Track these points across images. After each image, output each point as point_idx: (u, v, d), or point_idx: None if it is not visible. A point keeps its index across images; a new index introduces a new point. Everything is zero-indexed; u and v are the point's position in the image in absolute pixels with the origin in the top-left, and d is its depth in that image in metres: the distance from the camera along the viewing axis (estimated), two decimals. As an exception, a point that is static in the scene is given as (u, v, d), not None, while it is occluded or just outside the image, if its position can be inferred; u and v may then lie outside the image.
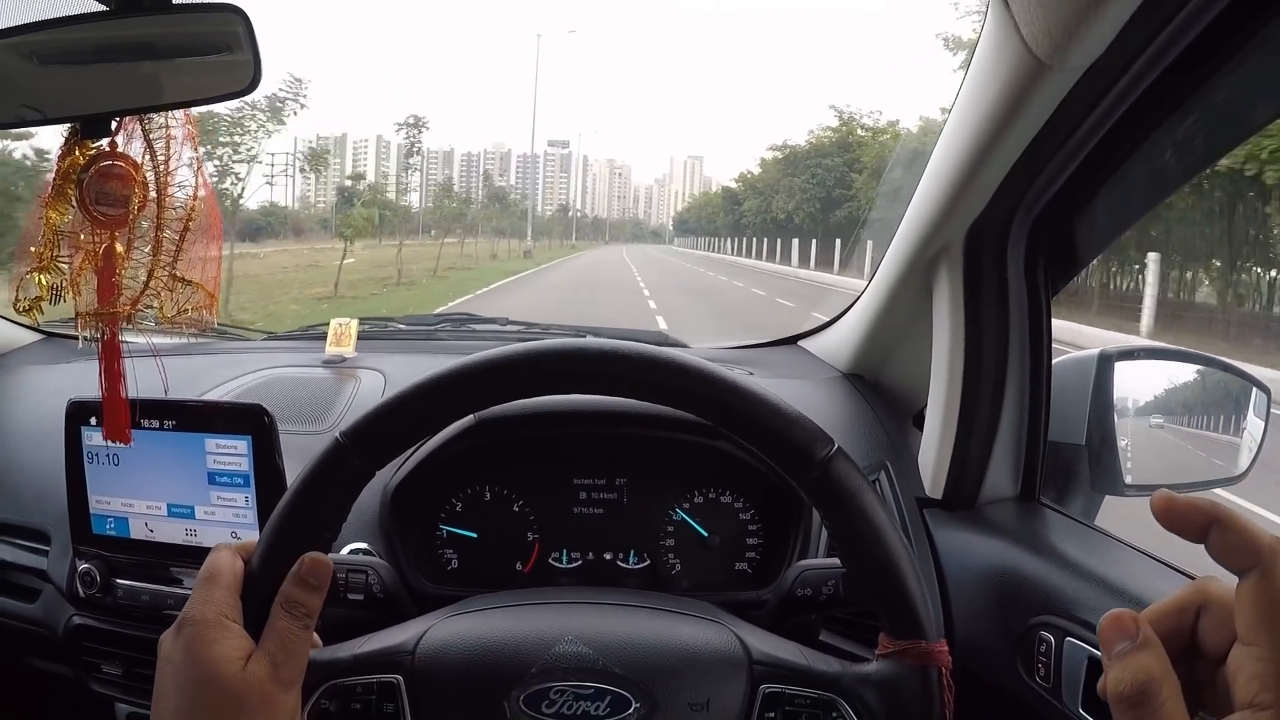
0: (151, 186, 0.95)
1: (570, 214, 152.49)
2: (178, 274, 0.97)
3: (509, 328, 2.18)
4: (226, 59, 0.94)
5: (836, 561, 0.97)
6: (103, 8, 0.94)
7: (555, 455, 1.43)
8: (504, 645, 0.85)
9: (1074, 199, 1.19)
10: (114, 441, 1.05)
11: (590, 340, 0.83)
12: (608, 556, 1.42)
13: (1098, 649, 0.99)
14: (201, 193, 0.98)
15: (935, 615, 1.25)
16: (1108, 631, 0.52)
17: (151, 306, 0.97)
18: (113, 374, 0.99)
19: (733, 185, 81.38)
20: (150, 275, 0.96)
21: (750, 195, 65.32)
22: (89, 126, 0.93)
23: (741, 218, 66.44)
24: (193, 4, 0.97)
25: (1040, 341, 1.32)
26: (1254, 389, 1.48)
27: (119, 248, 0.95)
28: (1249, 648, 0.49)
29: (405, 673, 0.83)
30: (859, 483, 0.80)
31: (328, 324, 1.94)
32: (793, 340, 2.10)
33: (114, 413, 1.03)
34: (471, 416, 1.30)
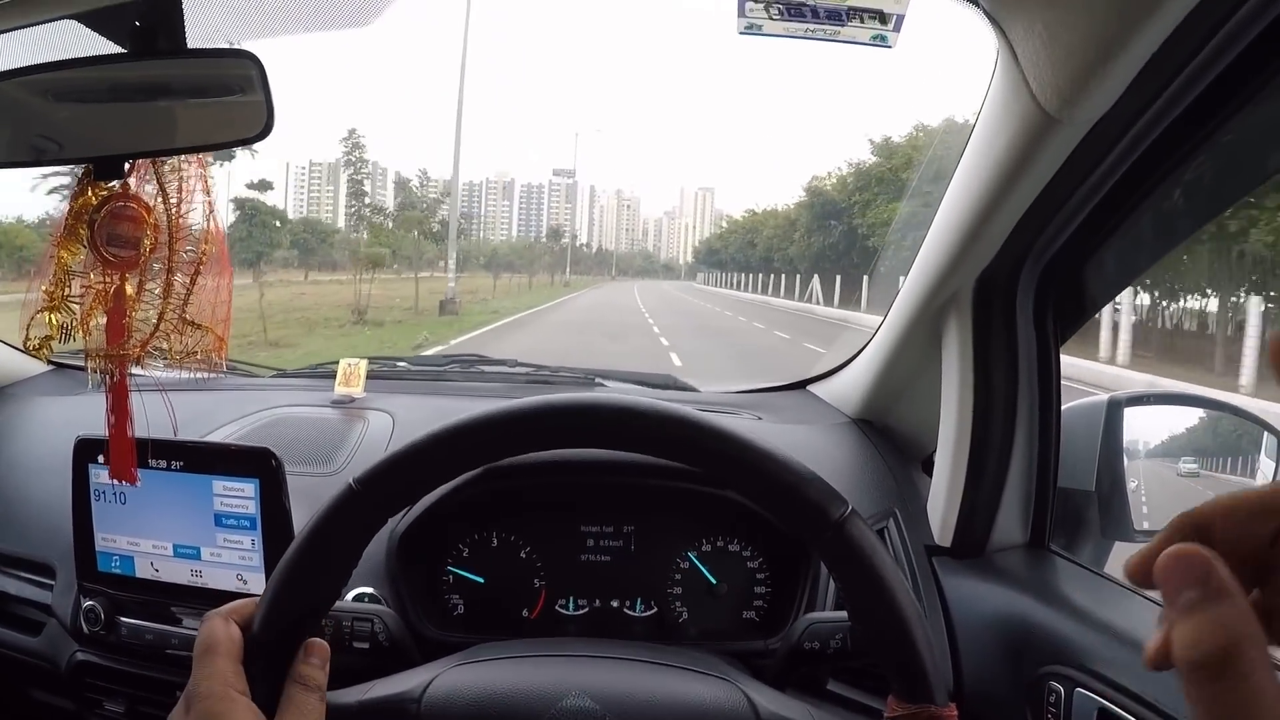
0: (163, 229, 0.95)
1: (564, 240, 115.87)
2: (188, 317, 0.98)
3: (517, 370, 2.18)
4: (240, 101, 0.94)
5: (844, 615, 0.97)
6: (119, 50, 0.95)
7: (562, 503, 1.43)
8: (510, 697, 0.85)
9: (1082, 249, 1.20)
10: (120, 481, 1.05)
11: (606, 396, 0.82)
12: (614, 604, 1.41)
13: (1108, 700, 0.98)
14: (213, 235, 0.99)
15: (945, 675, 1.24)
16: (1170, 573, 0.38)
17: (161, 348, 0.97)
18: (121, 414, 0.99)
19: (746, 215, 76.89)
20: (160, 317, 0.97)
21: (769, 228, 61.01)
22: (103, 168, 0.94)
23: (769, 251, 58.49)
24: (207, 49, 0.98)
25: (1049, 388, 1.32)
26: (1265, 433, 1.48)
27: (129, 289, 0.95)
28: None
29: None
30: (872, 544, 0.80)
31: (337, 363, 1.95)
32: (802, 385, 2.09)
33: (121, 453, 1.03)
34: None
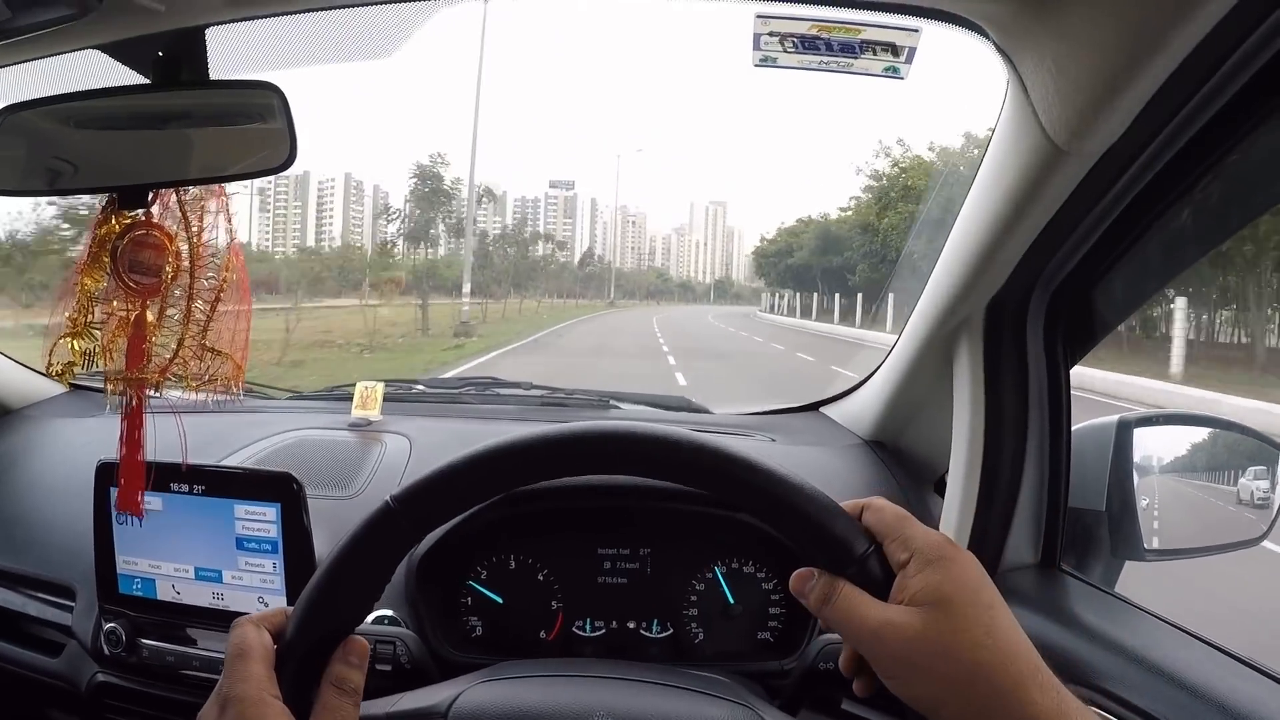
0: (185, 257, 0.97)
1: (504, 231, 73.72)
2: (207, 344, 0.99)
3: (533, 392, 2.18)
4: (263, 131, 0.96)
5: None
6: (144, 80, 0.97)
7: (580, 525, 1.44)
8: (537, 715, 0.86)
9: (1091, 274, 1.21)
10: (126, 512, 1.06)
11: (639, 425, 0.83)
12: (631, 625, 1.42)
13: None
14: (233, 263, 1.00)
15: None
16: (795, 583, 0.73)
17: (179, 374, 0.99)
18: (133, 444, 1.01)
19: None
20: (180, 344, 0.98)
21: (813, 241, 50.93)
22: (126, 197, 0.96)
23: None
24: (230, 80, 0.99)
25: (1060, 410, 1.33)
26: (1277, 452, 1.48)
27: (150, 316, 0.97)
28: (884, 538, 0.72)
29: None
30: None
31: (353, 385, 1.96)
32: (815, 407, 2.10)
33: (129, 483, 1.05)
34: None
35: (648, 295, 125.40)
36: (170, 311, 0.98)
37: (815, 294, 48.70)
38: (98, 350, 0.98)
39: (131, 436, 1.00)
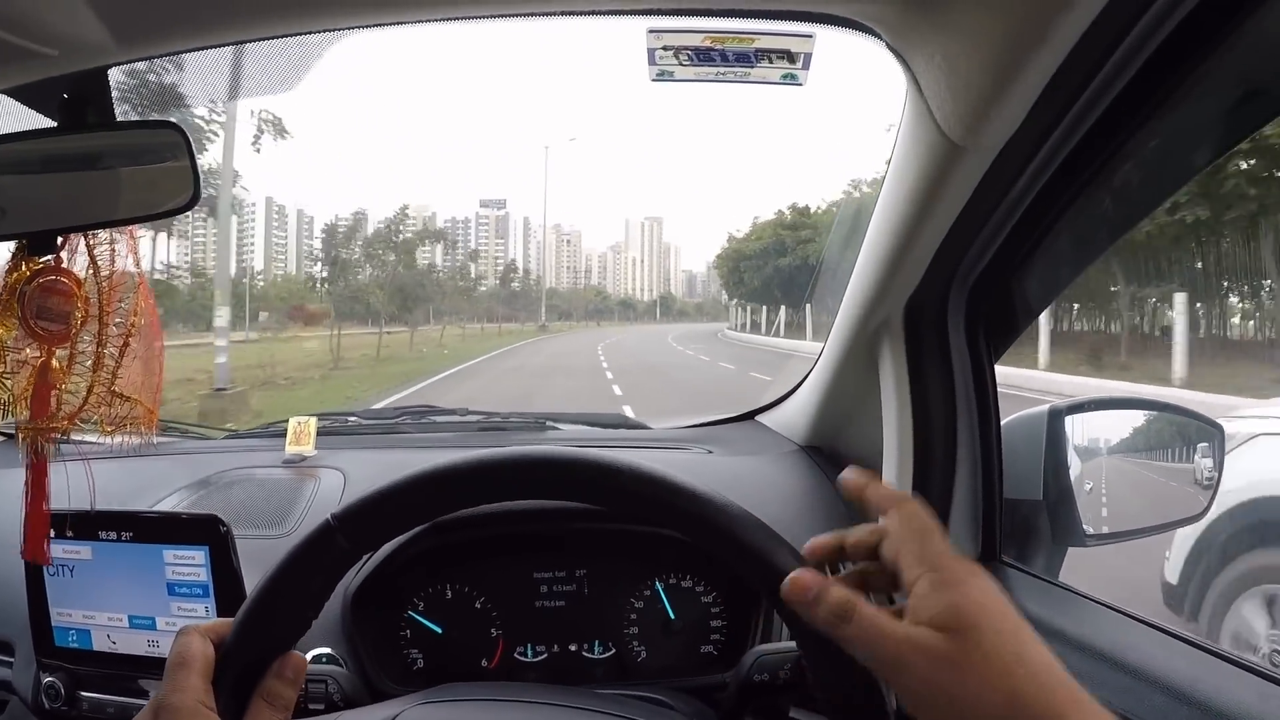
0: (94, 302, 0.96)
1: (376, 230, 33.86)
2: (116, 389, 0.98)
3: (469, 418, 2.18)
4: (168, 169, 0.95)
5: (793, 645, 0.97)
6: (51, 124, 0.96)
7: (513, 550, 1.43)
8: None
9: (1006, 268, 1.22)
10: (34, 561, 1.05)
11: (581, 452, 0.83)
12: (572, 648, 1.42)
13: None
14: (143, 307, 0.99)
15: None
16: (795, 593, 0.68)
17: (89, 420, 0.97)
18: (38, 493, 0.99)
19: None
20: (90, 390, 0.97)
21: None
22: (36, 243, 0.94)
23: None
24: (134, 121, 0.99)
25: (987, 404, 1.34)
26: (1206, 427, 1.51)
27: (55, 363, 0.95)
28: (900, 545, 0.68)
29: None
30: None
31: (287, 421, 1.94)
32: (750, 415, 2.12)
33: (35, 531, 1.03)
34: None
35: (587, 315, 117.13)
36: (80, 357, 0.97)
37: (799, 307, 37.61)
38: (11, 400, 0.97)
39: (37, 484, 0.99)
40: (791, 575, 0.69)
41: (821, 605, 0.66)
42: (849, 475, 0.75)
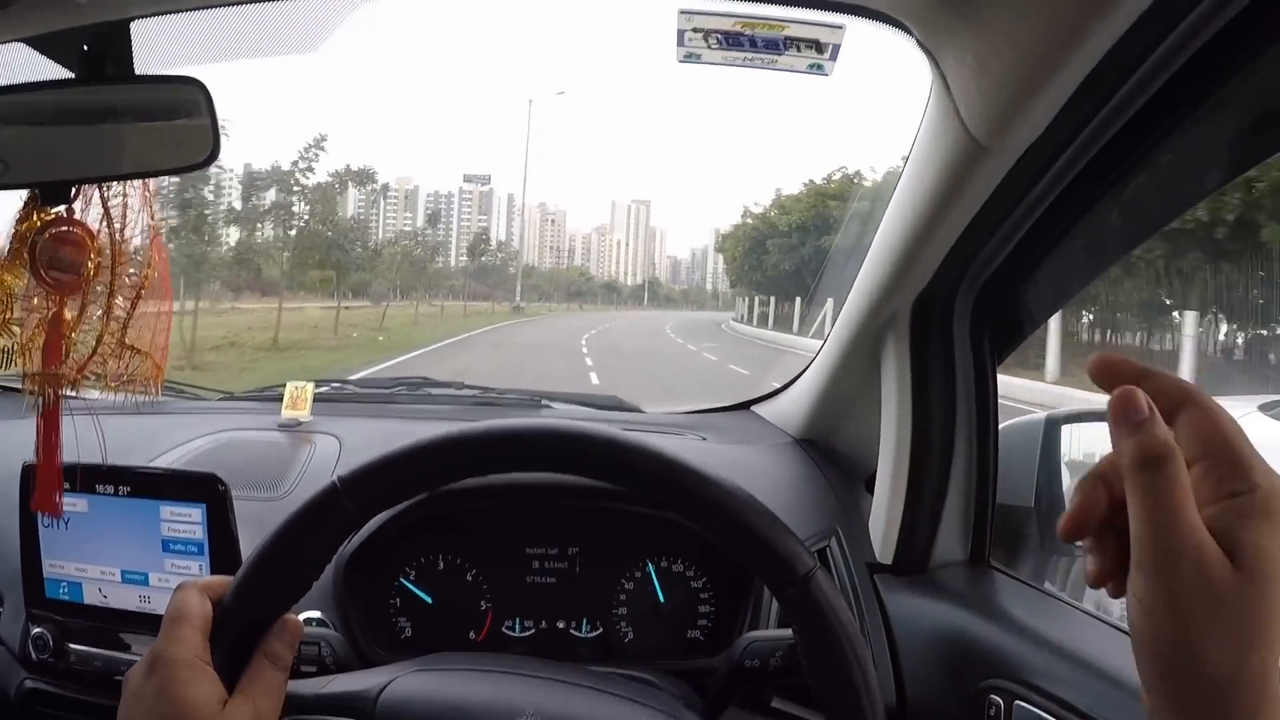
0: (106, 254, 0.96)
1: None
2: (127, 341, 0.98)
3: (465, 391, 2.19)
4: (186, 126, 0.95)
5: (785, 633, 0.98)
6: (68, 74, 0.96)
7: (508, 525, 1.44)
8: (465, 709, 0.85)
9: (1017, 271, 1.23)
10: (43, 512, 1.05)
11: (585, 426, 0.83)
12: (560, 625, 1.43)
13: (1046, 712, 1.01)
14: (155, 261, 0.99)
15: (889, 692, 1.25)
16: (1123, 407, 0.52)
17: (98, 372, 0.97)
18: (50, 445, 0.99)
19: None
20: (99, 341, 0.97)
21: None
22: (49, 193, 0.94)
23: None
24: (154, 75, 0.98)
25: (987, 407, 1.35)
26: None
27: (67, 313, 0.95)
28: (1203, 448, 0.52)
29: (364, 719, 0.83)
30: (836, 603, 0.80)
31: (284, 386, 1.94)
32: (746, 405, 2.12)
33: (46, 485, 1.03)
34: None
35: (568, 297, 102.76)
36: (91, 309, 0.97)
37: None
38: (16, 349, 0.97)
39: (48, 436, 0.98)
40: (1122, 389, 0.53)
41: (1147, 432, 0.51)
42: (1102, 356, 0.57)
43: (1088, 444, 1.48)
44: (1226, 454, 0.51)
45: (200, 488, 1.28)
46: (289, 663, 0.77)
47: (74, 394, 0.98)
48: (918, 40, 0.95)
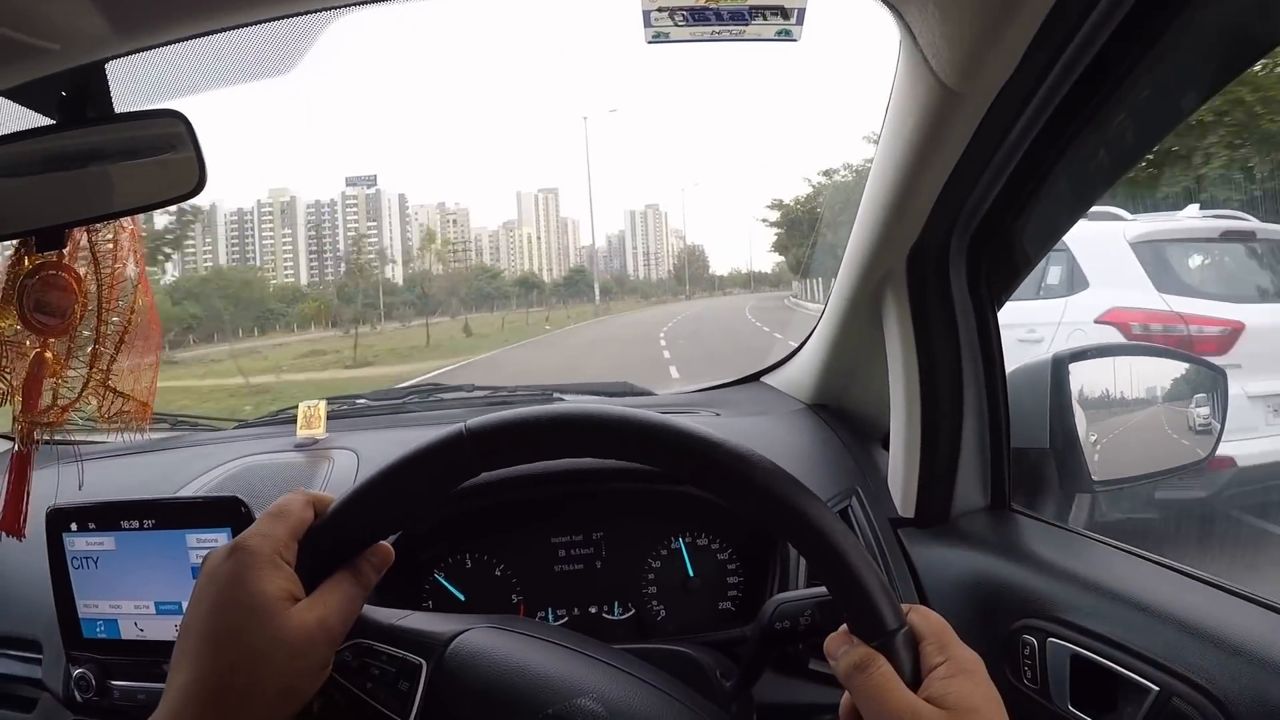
0: (94, 298, 0.97)
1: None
2: (111, 384, 0.99)
3: (475, 393, 2.20)
4: (172, 159, 0.96)
5: (812, 591, 0.98)
6: (49, 122, 0.96)
7: (530, 516, 1.45)
8: (532, 676, 0.84)
9: (1006, 213, 1.23)
10: (7, 532, 1.06)
11: (690, 424, 0.81)
12: (593, 610, 1.44)
13: (1080, 647, 1.01)
14: (141, 303, 1.00)
15: None
16: (833, 649, 0.76)
17: (82, 413, 0.98)
18: (19, 473, 1.01)
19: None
20: (85, 384, 0.98)
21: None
22: (44, 239, 0.95)
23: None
24: (135, 112, 0.99)
25: (991, 352, 1.35)
26: (1210, 372, 1.52)
27: (49, 355, 0.96)
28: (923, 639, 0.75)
29: (433, 661, 0.83)
30: None
31: (296, 408, 1.95)
32: (755, 377, 2.13)
33: (11, 506, 1.04)
34: None
35: (471, 303, 72.54)
36: (78, 351, 0.98)
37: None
38: (10, 391, 0.98)
39: (20, 466, 1.00)
40: (829, 638, 0.77)
41: (844, 658, 0.74)
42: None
43: (1097, 379, 1.49)
44: (935, 638, 0.74)
45: (223, 512, 1.28)
46: (370, 584, 0.79)
47: (71, 440, 0.99)
48: (878, -4, 0.95)
